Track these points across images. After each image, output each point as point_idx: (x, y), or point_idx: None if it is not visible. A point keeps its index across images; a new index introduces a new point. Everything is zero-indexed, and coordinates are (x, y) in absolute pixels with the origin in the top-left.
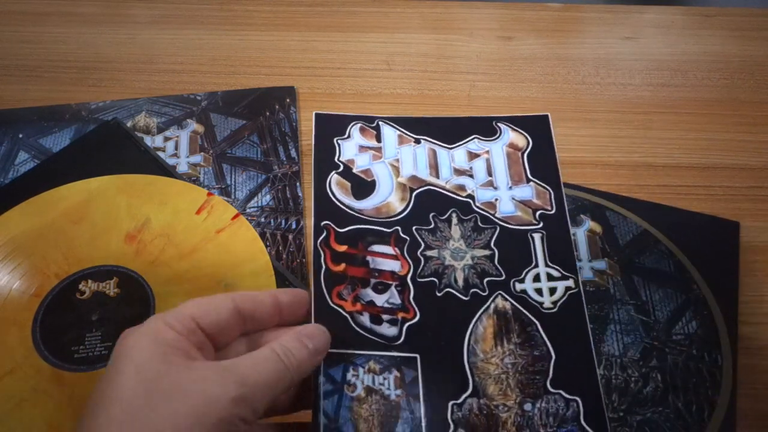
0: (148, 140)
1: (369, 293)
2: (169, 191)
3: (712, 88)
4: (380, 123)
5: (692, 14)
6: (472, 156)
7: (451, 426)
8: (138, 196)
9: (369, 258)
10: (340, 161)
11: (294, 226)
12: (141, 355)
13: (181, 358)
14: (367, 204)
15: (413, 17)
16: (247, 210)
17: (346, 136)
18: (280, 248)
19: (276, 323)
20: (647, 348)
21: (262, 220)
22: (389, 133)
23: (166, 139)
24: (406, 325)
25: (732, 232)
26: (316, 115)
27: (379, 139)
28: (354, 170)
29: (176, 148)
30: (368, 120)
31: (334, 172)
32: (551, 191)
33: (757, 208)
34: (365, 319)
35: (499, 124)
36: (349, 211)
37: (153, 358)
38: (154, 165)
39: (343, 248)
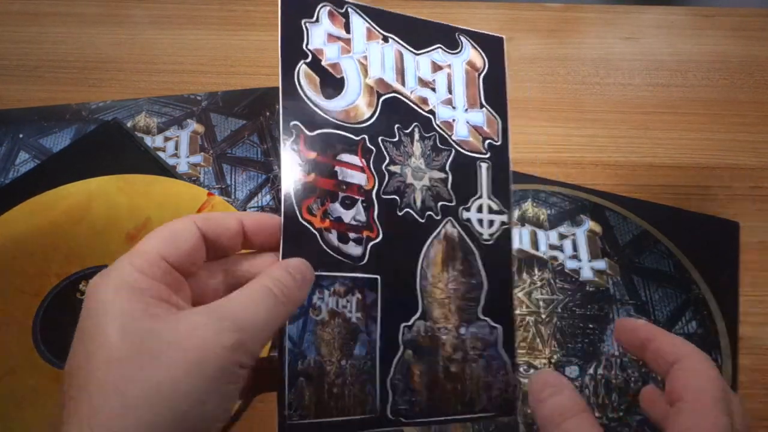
0: (148, 140)
1: (337, 208)
2: (169, 191)
3: (712, 88)
4: (349, 9)
5: (692, 14)
6: (436, 67)
7: (401, 347)
8: (138, 196)
9: (338, 168)
10: (308, 49)
11: None
12: (122, 312)
13: (164, 309)
14: (336, 105)
15: None
16: (248, 210)
17: (314, 19)
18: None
19: (239, 249)
20: None
21: None
22: (358, 24)
23: (167, 139)
24: (370, 244)
25: (732, 232)
26: None
27: (348, 29)
28: (323, 63)
29: (176, 148)
30: (337, 3)
31: (302, 61)
32: (499, 120)
33: (757, 208)
34: (333, 237)
35: (461, 37)
36: (318, 111)
37: (136, 316)
38: (154, 165)
39: (312, 155)
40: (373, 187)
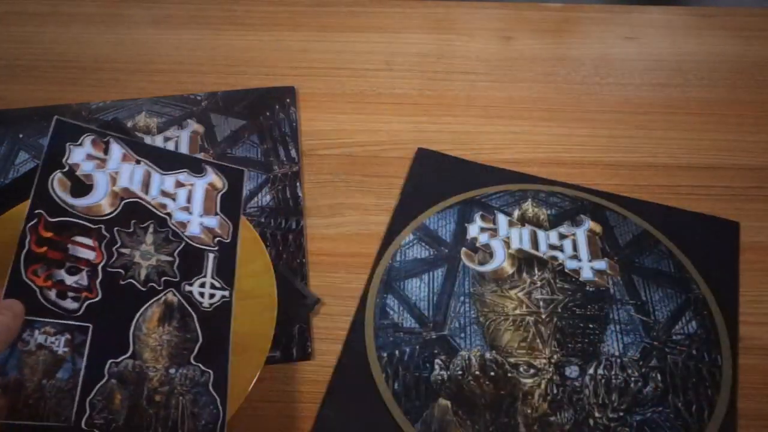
0: (148, 140)
1: (62, 274)
2: None
3: (712, 88)
4: (111, 140)
5: (692, 14)
6: (179, 184)
7: (106, 376)
8: None
9: (69, 245)
10: (67, 163)
11: (294, 226)
12: None
13: None
14: (81, 202)
15: (414, 17)
16: (248, 210)
17: (78, 143)
18: (280, 248)
19: None
20: (647, 348)
21: (262, 220)
22: (116, 149)
23: (166, 139)
24: (87, 302)
25: (732, 232)
26: (57, 119)
27: (107, 152)
28: (77, 173)
29: (176, 148)
30: (101, 135)
31: (59, 171)
32: (231, 225)
33: (757, 208)
34: (52, 293)
35: (206, 167)
36: (62, 204)
37: None
38: None
39: (48, 234)
40: (101, 261)
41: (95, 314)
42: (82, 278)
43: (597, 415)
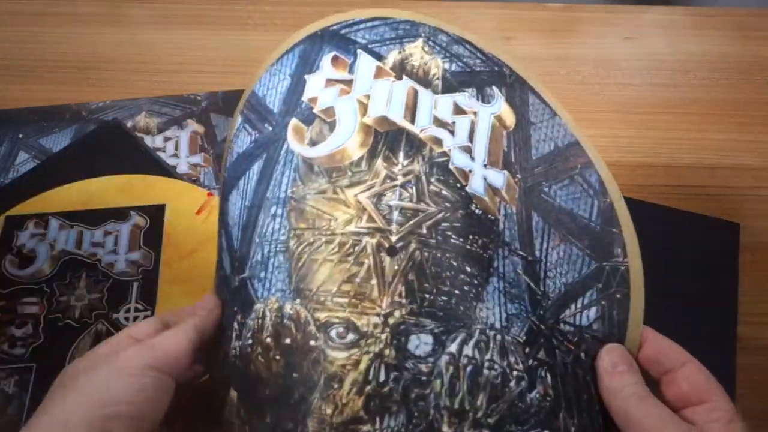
0: (148, 140)
1: (12, 329)
2: (169, 192)
3: (712, 88)
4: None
5: (692, 14)
6: (107, 233)
7: None
8: (138, 197)
9: (18, 307)
10: (15, 245)
11: None
12: (84, 356)
13: (106, 351)
14: (26, 271)
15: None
16: None
17: (23, 228)
18: None
19: None
20: (533, 330)
21: None
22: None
23: (166, 139)
24: (32, 346)
25: (732, 232)
26: (6, 217)
27: (46, 227)
28: (23, 251)
29: (176, 148)
30: (41, 216)
31: (9, 254)
32: (153, 254)
33: (757, 208)
34: (5, 346)
35: (130, 212)
36: (11, 278)
37: (90, 354)
38: (154, 165)
39: (1, 303)
40: (43, 312)
41: (38, 355)
42: (29, 329)
43: (445, 429)
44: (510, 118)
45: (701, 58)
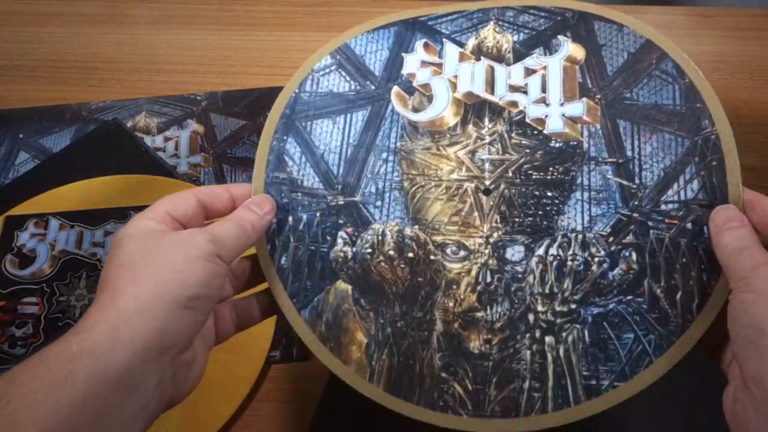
0: (148, 140)
1: (12, 329)
2: (169, 191)
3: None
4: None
5: (692, 14)
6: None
7: None
8: (138, 197)
9: (19, 307)
10: (15, 245)
11: None
12: (136, 236)
13: (164, 232)
14: (27, 271)
15: None
16: None
17: (23, 228)
18: None
19: (230, 212)
20: (622, 221)
21: None
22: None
23: (166, 139)
24: (32, 346)
25: None
26: (6, 217)
27: (46, 227)
28: (24, 251)
29: (176, 148)
30: (41, 216)
31: (9, 254)
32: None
33: None
34: (5, 345)
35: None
36: (12, 277)
37: (145, 235)
38: (154, 165)
39: (2, 303)
40: (44, 312)
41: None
42: (29, 329)
43: (540, 308)
44: (579, 53)
45: (700, 58)
